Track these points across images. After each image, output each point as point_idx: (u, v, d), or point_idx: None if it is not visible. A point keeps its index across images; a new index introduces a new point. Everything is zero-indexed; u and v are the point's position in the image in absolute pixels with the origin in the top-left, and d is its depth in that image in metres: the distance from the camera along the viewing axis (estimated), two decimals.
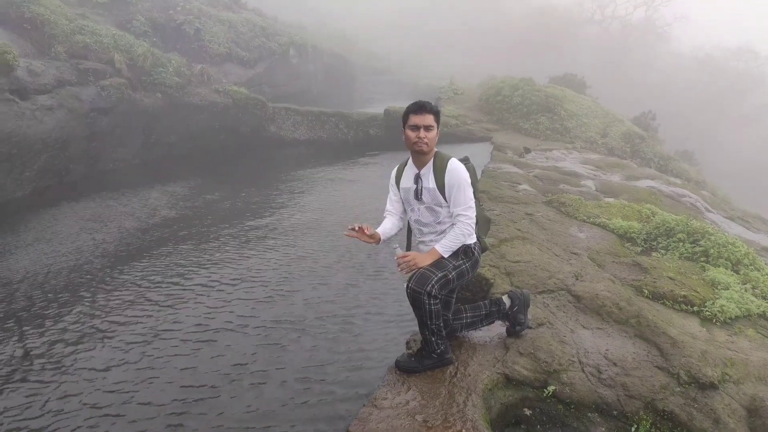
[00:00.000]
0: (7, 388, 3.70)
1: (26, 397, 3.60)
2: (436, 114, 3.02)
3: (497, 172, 8.38)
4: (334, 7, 32.48)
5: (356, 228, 3.04)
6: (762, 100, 34.42)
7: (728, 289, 4.28)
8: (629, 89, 29.73)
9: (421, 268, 2.96)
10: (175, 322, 4.53)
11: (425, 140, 2.97)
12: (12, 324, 4.66)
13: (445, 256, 3.01)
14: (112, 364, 3.93)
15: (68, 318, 4.72)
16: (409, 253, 3.05)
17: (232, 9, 18.64)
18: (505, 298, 3.48)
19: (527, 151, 10.95)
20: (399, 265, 2.98)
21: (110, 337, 4.33)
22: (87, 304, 4.99)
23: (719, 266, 4.81)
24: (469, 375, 3.11)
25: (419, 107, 3.00)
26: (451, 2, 37.65)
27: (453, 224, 3.04)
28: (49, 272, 5.80)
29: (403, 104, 3.06)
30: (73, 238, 6.90)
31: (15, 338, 4.40)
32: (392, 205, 3.31)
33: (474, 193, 3.13)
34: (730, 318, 3.91)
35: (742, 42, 38.65)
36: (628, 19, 41.80)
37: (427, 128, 2.97)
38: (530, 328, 3.58)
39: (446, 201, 3.02)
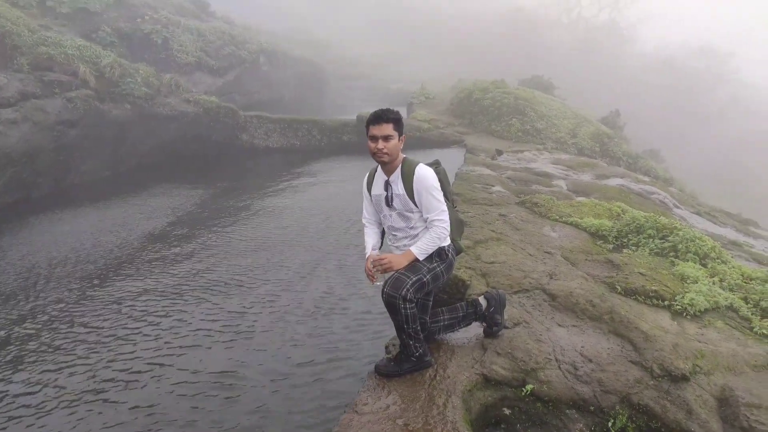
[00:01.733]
0: None
1: None
2: (396, 122, 2.99)
3: (470, 175, 8.45)
4: (306, 13, 32.42)
5: (373, 275, 3.07)
6: (723, 98, 35.50)
7: (697, 283, 4.39)
8: (597, 90, 30.35)
9: (396, 272, 2.98)
10: (103, 380, 3.90)
11: (384, 150, 2.96)
12: None
13: (421, 258, 3.02)
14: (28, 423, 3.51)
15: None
16: (385, 254, 3.07)
17: (200, 18, 18.50)
18: (482, 300, 3.52)
19: (499, 153, 11.08)
20: (375, 266, 2.99)
21: (18, 394, 3.82)
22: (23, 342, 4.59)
23: (687, 260, 4.94)
24: (449, 377, 3.13)
25: (376, 117, 2.97)
26: (422, 7, 37.98)
27: (427, 228, 3.05)
28: None
29: (375, 109, 3.05)
30: (31, 257, 6.59)
31: None
32: (369, 213, 3.32)
33: (446, 195, 3.16)
34: (700, 311, 4.00)
35: (704, 42, 39.86)
36: (593, 21, 42.88)
37: (386, 138, 2.95)
38: (507, 328, 3.62)
39: (417, 207, 3.04)
